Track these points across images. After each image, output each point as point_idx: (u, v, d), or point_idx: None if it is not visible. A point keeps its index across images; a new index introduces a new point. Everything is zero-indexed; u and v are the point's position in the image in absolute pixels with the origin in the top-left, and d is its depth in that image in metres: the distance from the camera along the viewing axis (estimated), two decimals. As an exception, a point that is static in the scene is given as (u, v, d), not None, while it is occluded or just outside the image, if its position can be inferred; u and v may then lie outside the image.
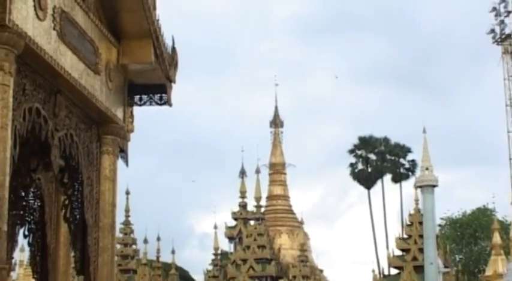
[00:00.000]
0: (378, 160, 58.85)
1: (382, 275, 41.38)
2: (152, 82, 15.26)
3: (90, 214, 13.58)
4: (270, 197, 52.92)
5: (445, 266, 37.49)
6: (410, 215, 40.65)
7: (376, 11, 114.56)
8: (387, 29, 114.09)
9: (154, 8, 14.10)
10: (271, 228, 46.66)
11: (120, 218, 39.38)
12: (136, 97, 15.47)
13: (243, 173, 46.02)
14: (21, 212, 14.81)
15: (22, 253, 34.99)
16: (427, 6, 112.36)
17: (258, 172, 46.64)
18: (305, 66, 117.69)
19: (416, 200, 39.45)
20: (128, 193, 42.16)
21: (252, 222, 43.57)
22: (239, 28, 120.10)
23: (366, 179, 58.69)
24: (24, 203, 14.85)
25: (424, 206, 35.33)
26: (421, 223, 37.20)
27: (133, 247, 43.93)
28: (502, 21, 31.03)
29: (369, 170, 58.81)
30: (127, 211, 43.38)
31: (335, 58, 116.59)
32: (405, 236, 40.44)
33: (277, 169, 54.12)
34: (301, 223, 53.56)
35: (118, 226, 17.37)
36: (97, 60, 13.27)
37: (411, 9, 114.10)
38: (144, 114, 16.48)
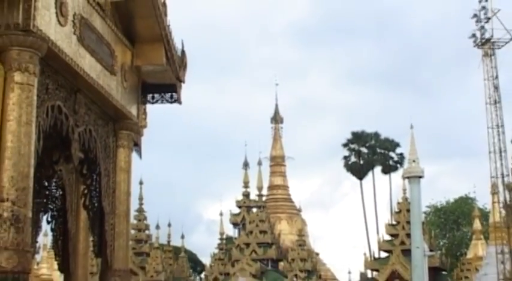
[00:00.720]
0: (369, 153, 58.75)
1: (373, 258, 41.40)
2: (163, 82, 15.26)
3: (107, 202, 13.60)
4: (270, 187, 52.97)
5: (430, 250, 37.43)
6: (398, 203, 40.66)
7: (368, 19, 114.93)
8: (379, 34, 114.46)
9: (166, 15, 14.10)
10: (272, 215, 46.66)
11: (134, 206, 39.39)
12: (149, 96, 15.48)
13: (246, 165, 45.99)
14: (45, 200, 14.83)
15: (45, 237, 35.02)
16: (414, 14, 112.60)
17: (260, 164, 46.63)
18: (303, 68, 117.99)
19: (404, 190, 39.45)
20: (141, 183, 42.27)
21: (254, 210, 43.55)
22: (243, 33, 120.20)
23: (358, 170, 58.61)
24: (47, 192, 14.86)
25: (411, 195, 35.23)
26: (408, 211, 37.14)
27: (146, 232, 43.97)
28: (482, 27, 30.91)
29: (361, 162, 58.69)
30: (140, 199, 43.46)
31: (331, 61, 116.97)
32: (394, 222, 40.43)
33: (277, 161, 54.18)
34: (299, 210, 53.57)
35: (132, 213, 17.35)
36: (113, 62, 13.26)
37: (400, 17, 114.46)
38: (157, 112, 16.49)
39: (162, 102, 15.65)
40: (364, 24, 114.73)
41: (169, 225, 46.39)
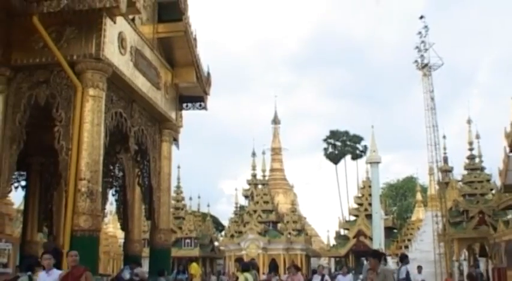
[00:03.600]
0: (342, 146, 58.73)
1: (344, 221, 41.39)
2: (194, 94, 15.31)
3: (155, 181, 13.66)
4: (271, 170, 52.78)
5: (386, 214, 37.45)
6: (363, 181, 40.64)
7: (342, 51, 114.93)
8: (350, 62, 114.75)
9: (196, 46, 14.14)
10: (272, 190, 46.55)
11: (173, 183, 39.26)
12: (184, 104, 15.52)
13: (254, 154, 46.08)
14: (110, 179, 14.89)
15: (111, 205, 34.88)
16: (374, 47, 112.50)
17: (263, 153, 46.58)
18: (295, 85, 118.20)
19: (367, 172, 39.43)
20: (179, 167, 42.24)
21: (259, 186, 43.51)
22: (253, 61, 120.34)
23: (334, 158, 58.61)
24: (112, 173, 14.92)
25: (372, 176, 35.20)
26: (369, 187, 37.13)
27: (182, 202, 44.00)
28: (422, 55, 30.89)
29: (336, 152, 58.69)
30: (178, 178, 43.44)
31: (315, 81, 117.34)
32: (359, 195, 40.41)
33: (276, 151, 54.02)
34: (292, 186, 53.49)
35: (172, 188, 17.38)
36: (158, 81, 13.31)
37: (364, 50, 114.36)
38: (193, 118, 16.53)
39: (193, 109, 15.70)
40: (340, 56, 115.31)
41: (199, 197, 46.50)
